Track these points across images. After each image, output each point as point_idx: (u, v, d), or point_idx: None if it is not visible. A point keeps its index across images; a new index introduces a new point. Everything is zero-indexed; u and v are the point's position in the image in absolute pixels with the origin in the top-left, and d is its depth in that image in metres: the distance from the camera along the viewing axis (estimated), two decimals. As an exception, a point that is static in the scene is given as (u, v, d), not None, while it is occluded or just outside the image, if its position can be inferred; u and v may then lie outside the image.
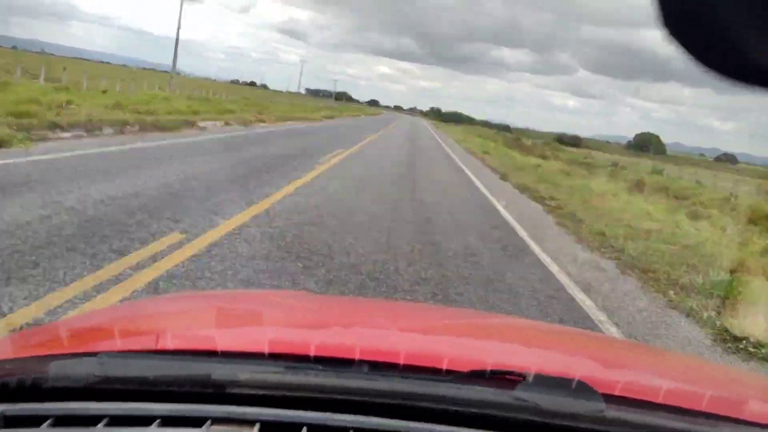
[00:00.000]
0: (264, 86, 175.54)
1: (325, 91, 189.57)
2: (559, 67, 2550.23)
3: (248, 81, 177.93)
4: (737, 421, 0.96)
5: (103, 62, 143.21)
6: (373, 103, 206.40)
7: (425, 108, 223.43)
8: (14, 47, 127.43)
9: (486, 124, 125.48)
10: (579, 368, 1.21)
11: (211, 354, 0.94)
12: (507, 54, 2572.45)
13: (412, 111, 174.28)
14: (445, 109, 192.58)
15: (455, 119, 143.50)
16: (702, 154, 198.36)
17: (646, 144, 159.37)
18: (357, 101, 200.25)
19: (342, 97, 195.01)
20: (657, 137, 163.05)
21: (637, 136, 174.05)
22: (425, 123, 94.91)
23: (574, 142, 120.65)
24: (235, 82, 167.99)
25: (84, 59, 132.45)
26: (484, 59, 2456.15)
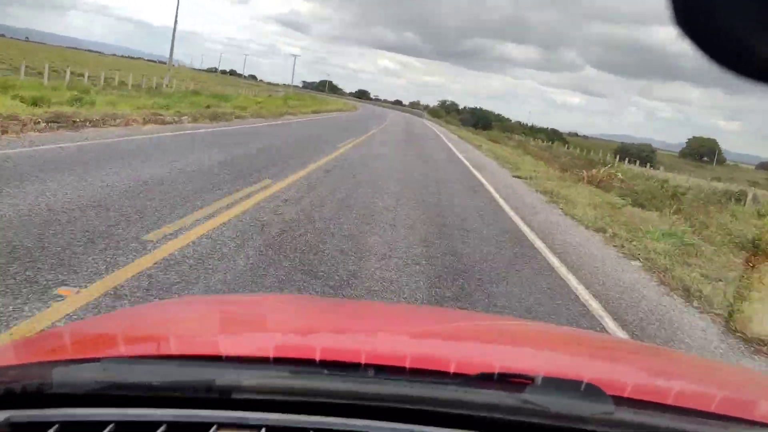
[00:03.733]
0: (252, 76, 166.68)
1: (313, 82, 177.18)
2: (565, 64, 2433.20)
3: (228, 70, 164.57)
4: (748, 422, 0.96)
5: (93, 51, 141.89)
6: (362, 94, 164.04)
7: (432, 102, 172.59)
8: (2, 35, 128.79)
9: (531, 129, 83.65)
10: (587, 370, 1.21)
11: (215, 359, 0.94)
12: (512, 50, 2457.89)
13: (414, 106, 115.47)
14: (451, 102, 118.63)
15: (481, 121, 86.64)
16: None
17: (702, 152, 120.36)
18: (347, 93, 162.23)
19: (324, 87, 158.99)
20: (714, 142, 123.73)
21: (690, 141, 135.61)
22: (448, 142, 31.82)
23: (646, 155, 79.09)
24: (212, 70, 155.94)
25: (77, 49, 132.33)
26: (488, 55, 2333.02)
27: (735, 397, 1.21)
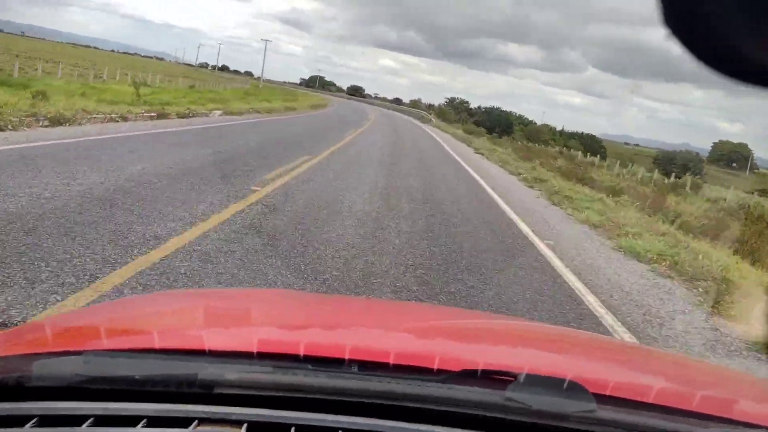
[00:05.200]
0: (248, 73, 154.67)
1: (306, 79, 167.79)
2: (567, 64, 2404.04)
3: (220, 65, 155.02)
4: (727, 421, 0.97)
5: (90, 47, 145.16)
6: (355, 91, 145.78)
7: (436, 100, 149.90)
8: (0, 30, 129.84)
9: (562, 134, 65.07)
10: (570, 368, 1.21)
11: (198, 353, 0.93)
12: (514, 50, 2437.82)
13: (415, 105, 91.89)
14: (461, 101, 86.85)
15: (500, 124, 65.85)
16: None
17: (732, 158, 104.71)
18: (343, 89, 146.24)
19: (314, 82, 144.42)
20: (744, 147, 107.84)
21: (717, 145, 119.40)
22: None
23: (694, 165, 63.90)
24: (203, 65, 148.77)
25: (76, 45, 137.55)
26: (490, 55, 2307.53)
27: (715, 396, 1.22)
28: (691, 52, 0.35)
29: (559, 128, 64.72)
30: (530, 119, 67.46)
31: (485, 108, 67.52)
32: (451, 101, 73.41)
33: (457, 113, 63.41)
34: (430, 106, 66.81)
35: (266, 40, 76.16)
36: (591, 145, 59.90)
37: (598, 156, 45.12)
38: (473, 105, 68.24)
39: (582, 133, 67.94)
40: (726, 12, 0.32)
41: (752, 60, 0.33)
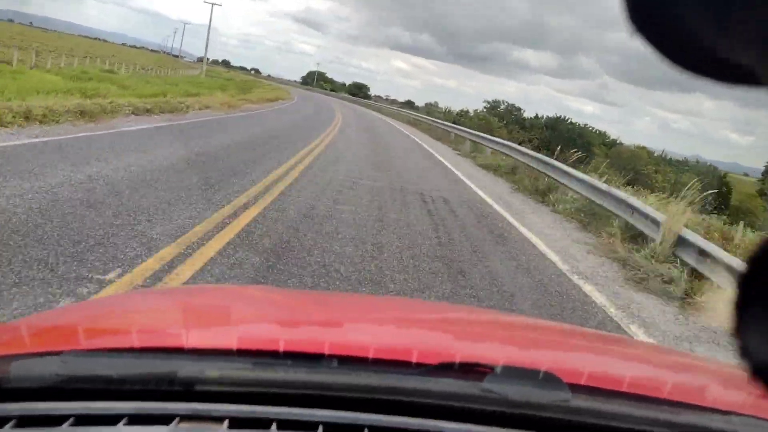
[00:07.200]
0: (255, 70, 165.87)
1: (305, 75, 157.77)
2: (581, 71, 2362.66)
3: (221, 60, 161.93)
4: (698, 408, 0.98)
5: (99, 39, 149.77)
6: (358, 89, 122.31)
7: (464, 105, 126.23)
8: (11, 20, 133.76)
9: (667, 160, 44.97)
10: (545, 359, 1.24)
11: (178, 351, 0.94)
12: (528, 56, 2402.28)
13: (431, 110, 61.21)
14: (509, 107, 52.54)
15: (573, 142, 33.16)
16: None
17: None
18: (341, 87, 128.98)
19: (311, 79, 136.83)
20: None
21: None
22: None
23: None
24: (200, 59, 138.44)
25: (87, 37, 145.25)
26: (503, 60, 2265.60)
27: (686, 384, 1.24)
28: (658, 52, 0.33)
29: (651, 149, 42.44)
30: (611, 135, 44.32)
31: (548, 119, 43.81)
32: (494, 107, 48.32)
33: (505, 125, 39.54)
34: (463, 113, 42.64)
35: (213, 3, 55.50)
36: (711, 181, 39.15)
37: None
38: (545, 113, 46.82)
39: (698, 161, 45.42)
40: (694, 8, 0.30)
41: (724, 57, 0.31)
